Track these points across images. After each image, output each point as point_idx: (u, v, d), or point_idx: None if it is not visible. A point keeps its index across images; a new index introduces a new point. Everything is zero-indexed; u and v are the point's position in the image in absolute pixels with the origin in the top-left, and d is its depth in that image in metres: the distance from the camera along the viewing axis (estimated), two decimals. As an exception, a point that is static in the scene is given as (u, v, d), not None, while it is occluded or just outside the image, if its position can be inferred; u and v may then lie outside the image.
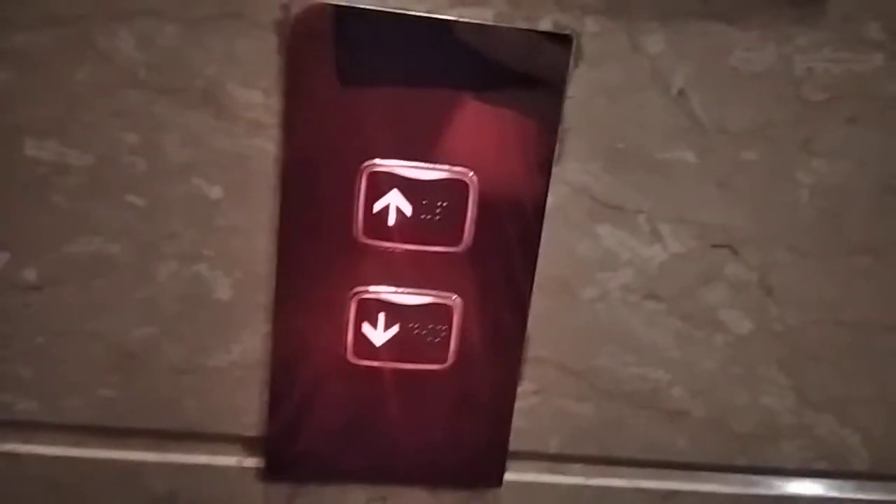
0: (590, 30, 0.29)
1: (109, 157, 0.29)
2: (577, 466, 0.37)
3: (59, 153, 0.29)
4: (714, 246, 0.33)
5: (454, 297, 0.32)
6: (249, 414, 0.33)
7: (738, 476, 0.38)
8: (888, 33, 0.31)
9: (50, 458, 0.33)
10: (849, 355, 0.36)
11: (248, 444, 0.34)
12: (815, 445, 0.37)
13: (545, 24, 0.29)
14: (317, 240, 0.31)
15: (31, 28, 0.28)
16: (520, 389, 0.34)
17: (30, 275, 0.30)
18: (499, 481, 0.36)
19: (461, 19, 0.29)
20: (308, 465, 0.34)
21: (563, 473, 0.36)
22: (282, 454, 0.34)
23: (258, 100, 0.29)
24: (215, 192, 0.30)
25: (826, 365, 0.36)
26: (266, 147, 0.30)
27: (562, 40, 0.29)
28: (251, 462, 0.34)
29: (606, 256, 0.33)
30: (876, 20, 0.30)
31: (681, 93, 0.30)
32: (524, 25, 0.29)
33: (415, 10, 0.29)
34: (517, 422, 0.35)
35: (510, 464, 0.36)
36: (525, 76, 0.30)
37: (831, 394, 0.36)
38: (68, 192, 0.29)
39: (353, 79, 0.29)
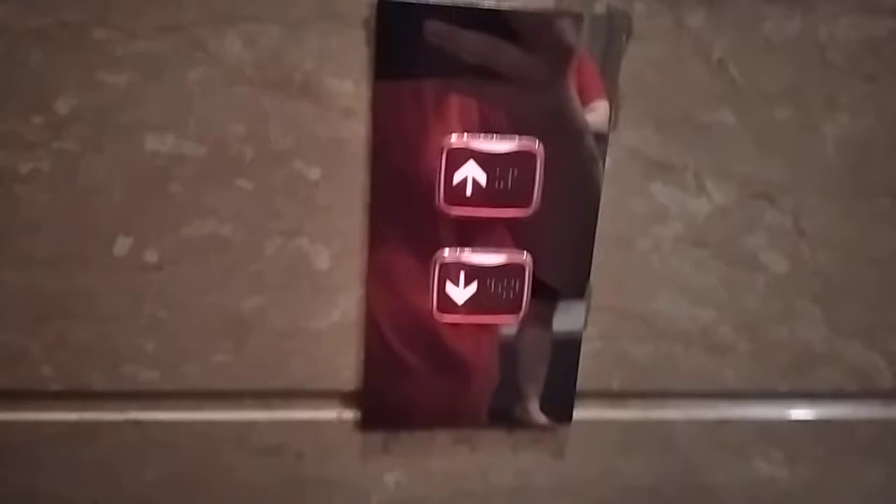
0: (639, 11, 0.34)
1: (221, 147, 0.33)
2: (637, 402, 0.41)
3: (176, 146, 0.33)
4: (753, 196, 0.37)
5: (525, 255, 0.37)
6: (347, 371, 0.38)
7: (780, 402, 0.42)
8: (901, -3, 0.35)
9: (170, 423, 0.38)
10: (873, 287, 0.40)
11: (345, 399, 0.38)
12: (845, 370, 0.42)
13: (600, 8, 0.33)
14: (403, 211, 0.35)
15: (149, 36, 0.31)
16: (585, 335, 0.39)
17: (151, 256, 0.34)
18: (568, 419, 0.40)
19: (525, 9, 0.33)
20: (399, 415, 0.39)
21: (625, 409, 0.41)
22: (376, 406, 0.38)
23: (349, 89, 0.33)
24: (314, 173, 0.34)
25: (854, 297, 0.40)
26: (358, 130, 0.34)
27: (615, 21, 0.33)
28: (349, 415, 0.39)
29: (659, 210, 0.37)
30: (889, -14, 0.35)
31: (720, 62, 0.35)
32: (581, 10, 0.33)
33: (483, 4, 0.32)
34: (583, 364, 0.39)
35: (577, 402, 0.40)
36: (585, 54, 0.34)
37: (859, 322, 0.41)
38: (185, 180, 0.33)
39: (431, 65, 0.33)
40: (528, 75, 0.34)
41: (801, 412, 0.42)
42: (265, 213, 0.34)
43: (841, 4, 0.35)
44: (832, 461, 0.44)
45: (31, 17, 0.31)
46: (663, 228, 0.37)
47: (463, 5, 0.32)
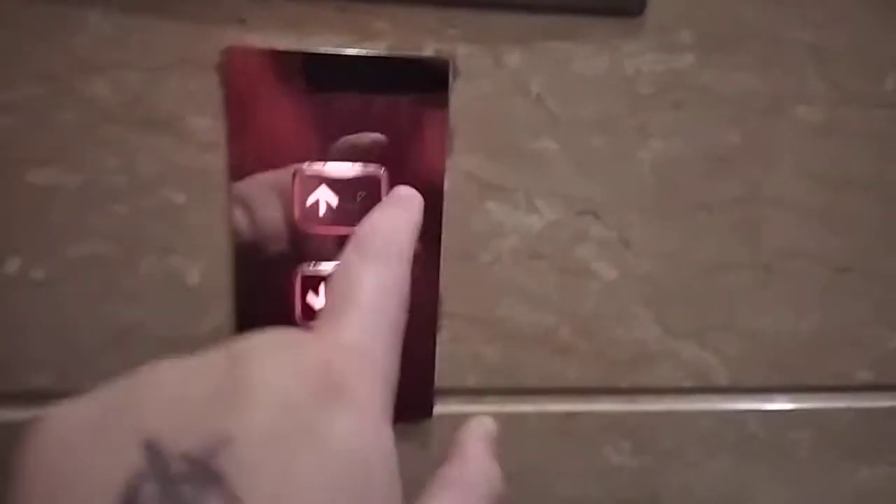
0: (462, 53, 0.39)
1: (96, 178, 0.38)
2: (492, 397, 0.46)
3: (55, 177, 0.38)
4: (579, 213, 0.43)
5: (378, 268, 0.42)
6: (222, 373, 0.43)
7: (623, 397, 0.47)
8: (696, 38, 0.40)
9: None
10: (699, 291, 0.45)
11: (223, 399, 0.43)
12: (681, 367, 0.47)
13: (428, 51, 0.39)
14: (264, 230, 0.40)
15: (29, 84, 0.36)
16: (439, 338, 0.44)
17: (37, 274, 0.39)
18: (429, 413, 0.45)
19: (362, 52, 0.38)
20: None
21: (481, 403, 0.46)
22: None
23: (208, 124, 0.38)
24: (180, 198, 0.39)
25: (682, 301, 0.45)
26: (217, 161, 0.39)
27: (442, 63, 0.39)
28: (227, 413, 0.44)
29: (496, 227, 0.42)
30: (686, 27, 0.40)
31: (538, 96, 0.40)
32: (412, 54, 0.39)
33: (325, 49, 0.38)
34: (440, 365, 0.44)
35: (438, 399, 0.45)
36: (417, 92, 0.39)
37: (689, 323, 0.46)
38: (65, 207, 0.38)
39: (281, 102, 0.38)
40: (373, 108, 0.39)
41: (642, 406, 0.48)
42: (139, 235, 0.39)
43: (643, 43, 0.40)
44: (677, 452, 0.49)
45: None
46: (502, 243, 0.43)
47: (299, 51, 0.38)
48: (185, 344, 0.42)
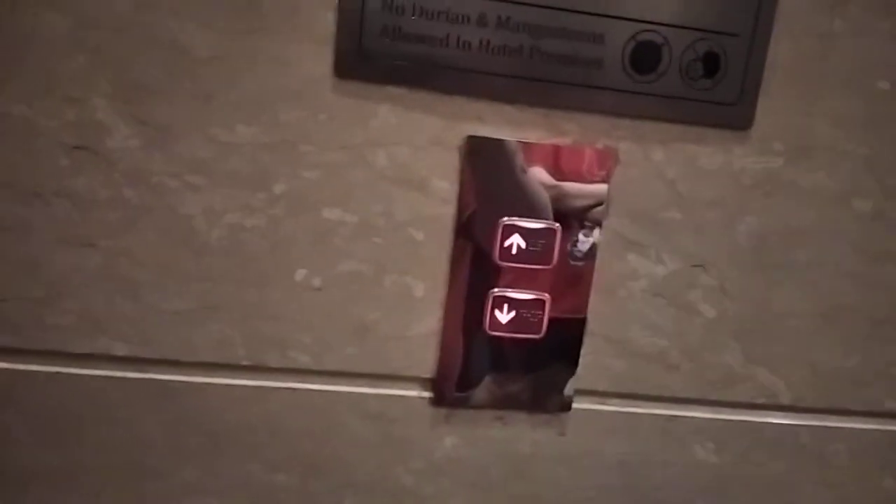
0: (622, 148, 0.52)
1: (367, 220, 0.51)
2: (616, 400, 0.58)
3: (340, 215, 0.51)
4: (693, 265, 0.55)
5: (546, 294, 0.54)
6: (427, 364, 0.55)
7: (712, 408, 0.59)
8: (785, 147, 0.53)
9: (314, 391, 0.54)
10: (774, 330, 0.57)
11: (424, 383, 0.55)
12: (756, 388, 0.58)
13: (599, 145, 0.52)
14: (472, 262, 0.53)
15: (334, 151, 0.50)
16: (582, 350, 0.56)
17: (316, 282, 0.52)
18: (568, 409, 0.57)
19: (552, 142, 0.51)
20: (459, 397, 0.56)
21: (607, 405, 0.58)
22: (444, 390, 0.55)
23: (447, 187, 0.51)
24: (420, 236, 0.52)
25: (761, 336, 0.57)
26: (449, 212, 0.52)
27: (608, 153, 0.52)
28: (425, 394, 0.56)
29: (632, 271, 0.55)
30: (778, 140, 0.53)
31: (671, 181, 0.53)
32: (587, 145, 0.52)
33: (530, 140, 0.51)
34: (580, 371, 0.56)
35: (575, 398, 0.57)
36: (587, 173, 0.52)
37: (765, 354, 0.58)
38: (343, 236, 0.51)
39: (497, 175, 0.51)
40: (553, 183, 0.52)
41: (726, 416, 0.59)
42: (389, 260, 0.52)
43: (748, 149, 0.53)
44: (748, 454, 0.60)
45: (264, 136, 0.49)
46: (635, 283, 0.55)
47: (514, 140, 0.51)
48: (404, 341, 0.54)
